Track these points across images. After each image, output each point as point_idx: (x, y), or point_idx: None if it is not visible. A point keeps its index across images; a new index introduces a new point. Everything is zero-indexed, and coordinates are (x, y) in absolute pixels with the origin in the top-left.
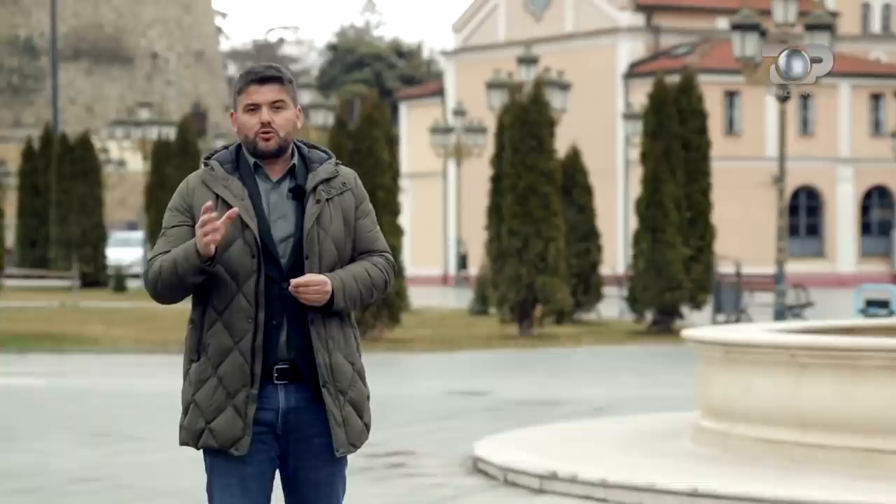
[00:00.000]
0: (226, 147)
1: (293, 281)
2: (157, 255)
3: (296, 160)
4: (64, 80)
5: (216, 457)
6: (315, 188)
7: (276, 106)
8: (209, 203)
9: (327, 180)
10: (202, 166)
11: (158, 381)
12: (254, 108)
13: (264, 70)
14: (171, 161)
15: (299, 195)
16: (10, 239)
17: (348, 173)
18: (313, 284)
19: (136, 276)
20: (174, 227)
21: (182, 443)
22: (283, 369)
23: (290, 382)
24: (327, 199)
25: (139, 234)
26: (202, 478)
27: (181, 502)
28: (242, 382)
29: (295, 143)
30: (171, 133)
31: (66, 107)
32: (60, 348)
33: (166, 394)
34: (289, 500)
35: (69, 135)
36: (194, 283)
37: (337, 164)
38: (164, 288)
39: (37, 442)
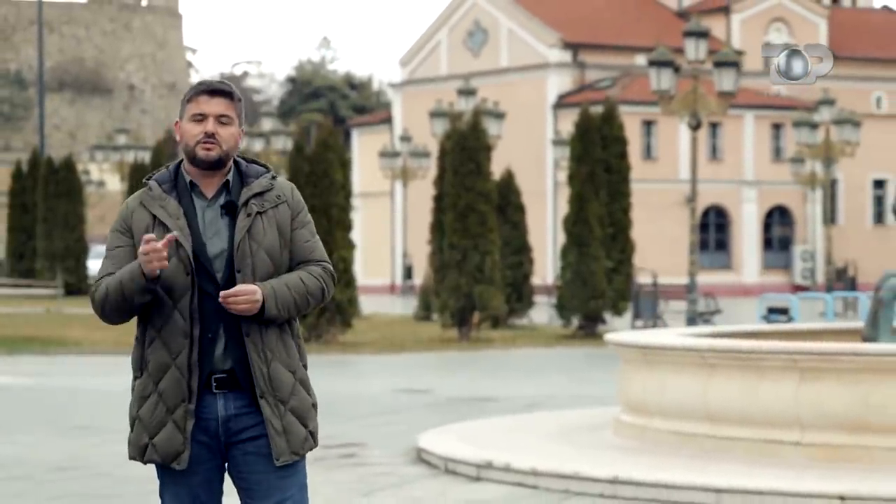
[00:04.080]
0: (167, 166)
1: (222, 293)
2: (102, 278)
3: (230, 176)
4: (50, 109)
5: (164, 467)
6: (247, 202)
7: (222, 120)
8: (148, 235)
9: (260, 194)
10: (143, 185)
11: None
12: (200, 118)
13: (215, 84)
14: None
15: (232, 210)
16: (1, 252)
17: (285, 186)
18: (242, 294)
19: None
20: (116, 248)
21: (130, 457)
22: (221, 378)
23: (230, 391)
24: (259, 213)
25: None
26: None
27: (151, 488)
28: (181, 398)
29: (234, 159)
30: (146, 156)
31: (51, 133)
32: (46, 350)
33: None
34: None
35: (54, 158)
36: (140, 303)
37: (273, 177)
38: (111, 309)
39: (24, 434)
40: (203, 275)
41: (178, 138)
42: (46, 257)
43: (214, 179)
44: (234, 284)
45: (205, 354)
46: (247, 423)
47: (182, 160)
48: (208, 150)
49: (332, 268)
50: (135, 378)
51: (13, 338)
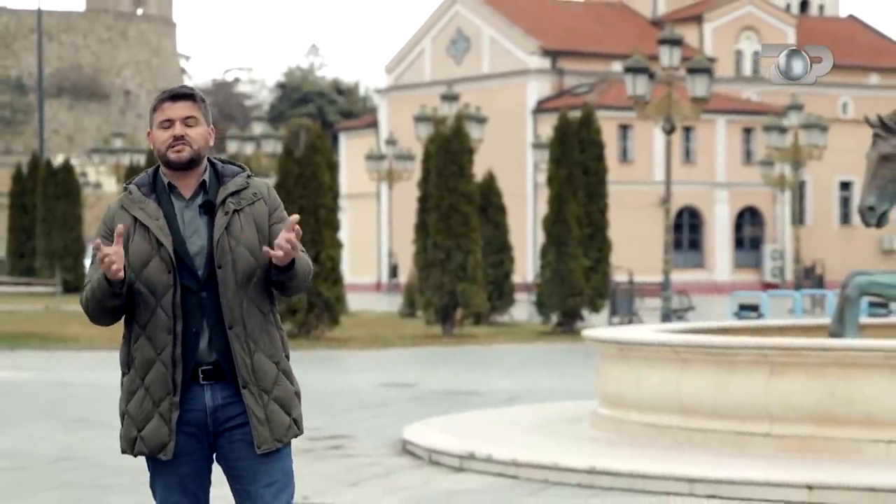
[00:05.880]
0: (146, 170)
1: (291, 237)
2: (88, 283)
3: (207, 176)
4: (49, 113)
5: (154, 459)
6: (224, 201)
7: (188, 122)
8: (97, 242)
9: (237, 192)
10: (124, 190)
11: None
12: (168, 123)
13: (177, 89)
14: None
15: (210, 209)
16: (2, 251)
17: (260, 184)
18: (294, 247)
19: None
20: None
21: (122, 451)
22: (208, 370)
23: (216, 382)
24: (236, 210)
25: None
26: None
27: (147, 478)
28: (166, 391)
29: (210, 160)
30: (141, 159)
31: (50, 137)
32: (45, 346)
33: None
34: (236, 497)
35: (53, 161)
36: (114, 306)
37: (249, 176)
38: (94, 313)
39: (24, 427)
40: (185, 272)
41: (152, 147)
42: (45, 256)
43: (191, 180)
44: (214, 280)
45: (190, 348)
46: (233, 412)
47: (160, 164)
48: (179, 151)
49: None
50: (123, 375)
51: (13, 334)
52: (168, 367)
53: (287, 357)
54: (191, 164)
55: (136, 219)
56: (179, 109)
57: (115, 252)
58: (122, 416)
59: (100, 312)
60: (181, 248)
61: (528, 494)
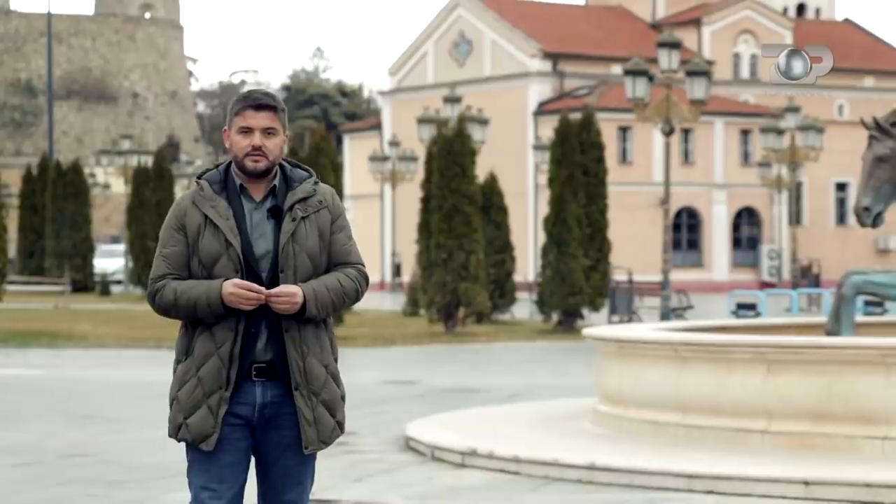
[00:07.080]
0: (217, 166)
1: (266, 292)
2: (164, 278)
3: (277, 181)
4: (58, 115)
5: (195, 446)
6: (292, 207)
7: (268, 132)
8: (247, 284)
9: (304, 199)
10: (195, 184)
11: (137, 372)
12: (247, 130)
13: (262, 97)
14: (148, 185)
15: (277, 214)
16: (12, 250)
17: (326, 191)
18: (284, 295)
19: (118, 282)
20: (171, 247)
21: (169, 435)
22: (261, 368)
23: (268, 380)
24: (303, 217)
25: (121, 247)
26: (173, 454)
27: (155, 474)
28: (219, 384)
29: (279, 163)
30: (148, 161)
31: (59, 138)
32: (54, 344)
33: (144, 383)
34: (260, 487)
35: (62, 162)
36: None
37: (316, 182)
38: (177, 315)
39: (34, 423)
40: (249, 273)
41: (227, 145)
42: (55, 255)
43: (262, 184)
44: (276, 284)
45: (248, 347)
46: (280, 411)
47: (231, 161)
48: (256, 161)
49: (366, 270)
50: (178, 362)
51: (23, 331)
52: (225, 362)
53: (336, 360)
54: (265, 173)
55: (206, 216)
56: (261, 119)
57: (254, 302)
58: (172, 401)
59: (187, 317)
60: (248, 249)
61: (529, 490)
